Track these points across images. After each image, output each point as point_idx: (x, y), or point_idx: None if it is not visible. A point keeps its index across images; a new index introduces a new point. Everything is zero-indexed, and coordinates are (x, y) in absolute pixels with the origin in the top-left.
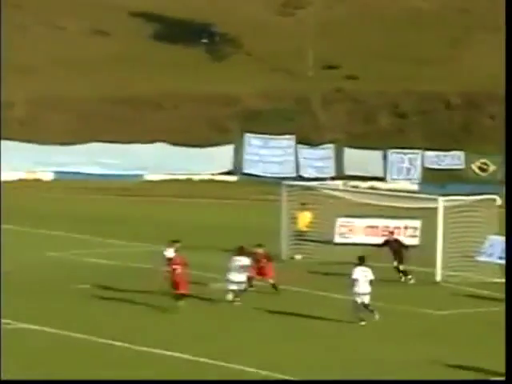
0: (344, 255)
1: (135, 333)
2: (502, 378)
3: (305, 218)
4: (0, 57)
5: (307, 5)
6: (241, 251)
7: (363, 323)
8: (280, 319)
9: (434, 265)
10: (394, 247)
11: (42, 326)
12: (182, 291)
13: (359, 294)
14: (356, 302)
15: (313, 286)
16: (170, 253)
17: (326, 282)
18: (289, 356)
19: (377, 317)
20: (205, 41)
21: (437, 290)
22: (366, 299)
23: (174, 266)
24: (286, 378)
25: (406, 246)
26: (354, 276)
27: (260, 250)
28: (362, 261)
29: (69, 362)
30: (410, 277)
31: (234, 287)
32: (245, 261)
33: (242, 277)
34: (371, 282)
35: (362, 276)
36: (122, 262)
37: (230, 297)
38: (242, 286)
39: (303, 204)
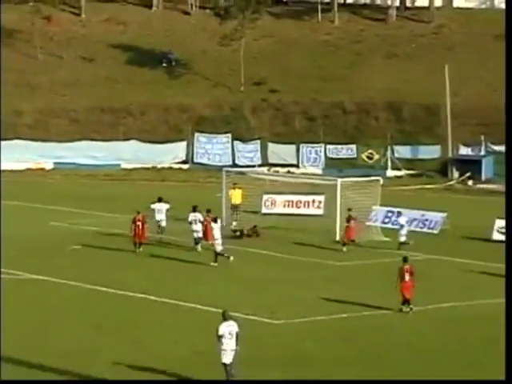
0: (269, 222)
1: (115, 280)
2: (501, 379)
3: (237, 195)
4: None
5: (240, 38)
6: (195, 209)
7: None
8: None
9: (334, 228)
10: None
11: (43, 276)
12: (142, 240)
13: (225, 350)
14: (224, 363)
15: (245, 244)
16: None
17: (256, 241)
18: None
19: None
20: (164, 65)
21: (336, 246)
22: (230, 356)
23: (137, 223)
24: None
25: None
26: (220, 332)
27: (210, 214)
28: (224, 317)
29: (62, 304)
30: None
31: (195, 235)
32: (199, 216)
33: (198, 227)
34: (237, 337)
35: (227, 332)
36: (106, 229)
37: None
38: (200, 234)
39: (235, 184)
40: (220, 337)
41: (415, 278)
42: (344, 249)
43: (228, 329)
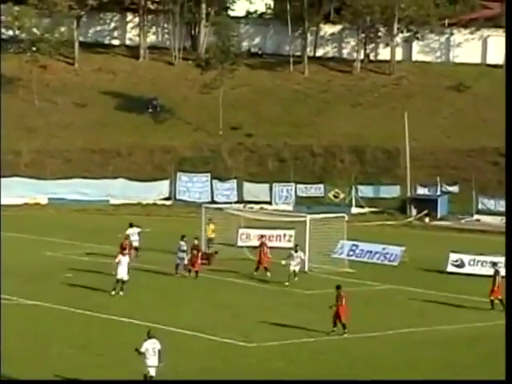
0: (243, 254)
1: (102, 305)
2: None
3: (210, 229)
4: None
5: (219, 86)
6: (182, 238)
7: None
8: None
9: (304, 259)
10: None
11: (38, 301)
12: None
13: (150, 367)
14: (145, 375)
15: (223, 274)
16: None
17: (233, 270)
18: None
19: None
20: (150, 110)
21: (305, 277)
22: (153, 371)
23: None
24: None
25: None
26: (143, 349)
27: (196, 242)
28: (149, 335)
29: (53, 326)
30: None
31: (178, 261)
32: (183, 244)
33: (183, 255)
34: (160, 353)
35: (151, 349)
36: (96, 258)
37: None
38: (184, 261)
39: (209, 220)
40: (142, 353)
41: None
42: (268, 274)
43: (151, 346)
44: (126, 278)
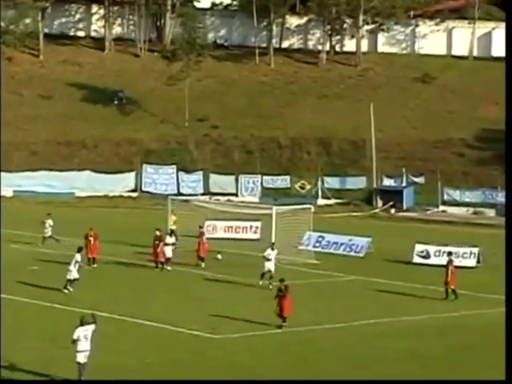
0: (210, 246)
1: (70, 298)
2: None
3: (171, 220)
4: None
5: (185, 78)
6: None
7: None
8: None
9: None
10: None
11: (5, 295)
12: (94, 255)
13: (81, 352)
14: (79, 362)
15: (190, 266)
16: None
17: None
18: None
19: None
20: (116, 102)
21: None
22: (84, 357)
23: (89, 238)
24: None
25: None
26: (75, 336)
27: (158, 233)
28: (82, 322)
29: (22, 319)
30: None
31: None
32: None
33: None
34: (91, 340)
35: (82, 336)
36: (62, 251)
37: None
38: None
39: (172, 211)
40: (75, 340)
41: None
42: (202, 264)
43: (83, 333)
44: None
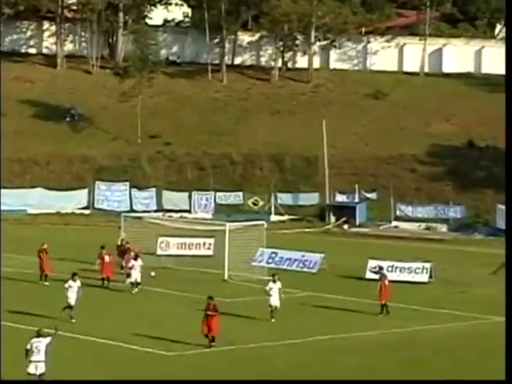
0: (164, 263)
1: (24, 316)
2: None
3: (121, 238)
4: None
5: (137, 95)
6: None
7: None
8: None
9: (222, 268)
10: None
11: None
12: (46, 271)
13: (31, 362)
14: (29, 373)
15: (143, 283)
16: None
17: (153, 280)
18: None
19: None
20: (68, 119)
21: (225, 285)
22: (35, 368)
23: (40, 254)
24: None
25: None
26: (28, 346)
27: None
28: (39, 333)
29: None
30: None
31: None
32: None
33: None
34: (46, 353)
35: (34, 347)
36: (15, 269)
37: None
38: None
39: (119, 227)
40: (27, 350)
41: (218, 314)
42: (46, 283)
43: (35, 344)
44: None
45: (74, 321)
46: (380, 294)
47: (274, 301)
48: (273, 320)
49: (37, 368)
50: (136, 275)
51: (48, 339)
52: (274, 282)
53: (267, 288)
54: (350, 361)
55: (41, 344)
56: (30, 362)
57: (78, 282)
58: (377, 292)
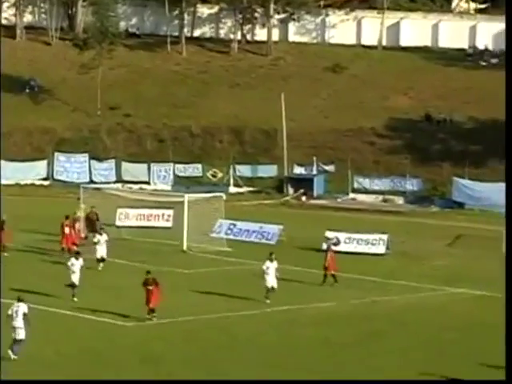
0: (123, 235)
1: None
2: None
3: (81, 209)
4: None
5: (97, 67)
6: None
7: None
8: None
9: (182, 239)
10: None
11: None
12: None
13: (12, 328)
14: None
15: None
16: None
17: (112, 251)
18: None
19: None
20: (28, 91)
21: (184, 256)
22: (15, 333)
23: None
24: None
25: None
26: (9, 312)
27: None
28: (19, 299)
29: None
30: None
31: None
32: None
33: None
34: (25, 316)
35: (14, 311)
36: None
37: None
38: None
39: (78, 199)
40: (9, 315)
41: (159, 288)
42: (5, 254)
43: (15, 309)
44: None
45: (75, 299)
46: (325, 264)
47: (271, 280)
48: (268, 301)
49: (16, 333)
50: (102, 251)
51: (25, 306)
52: (271, 261)
53: (264, 267)
54: (307, 332)
55: (19, 309)
56: (13, 327)
57: (81, 261)
58: (324, 262)
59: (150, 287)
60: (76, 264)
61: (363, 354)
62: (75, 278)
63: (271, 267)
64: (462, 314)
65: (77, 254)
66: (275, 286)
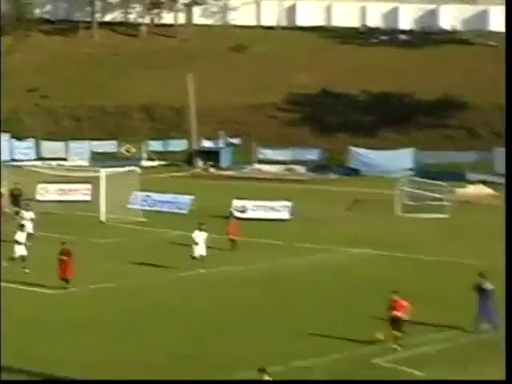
0: (43, 208)
1: None
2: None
3: (3, 185)
4: None
5: (14, 52)
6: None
7: None
8: None
9: (99, 211)
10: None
11: None
12: None
13: None
14: None
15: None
16: None
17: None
18: None
19: None
20: None
21: (102, 226)
22: None
23: None
24: None
25: None
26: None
27: None
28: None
29: None
30: None
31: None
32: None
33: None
34: None
35: None
36: None
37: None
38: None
39: None
40: None
41: (72, 258)
42: None
43: None
44: None
45: (27, 271)
46: (228, 230)
47: (200, 249)
48: (202, 270)
49: None
50: (28, 226)
51: None
52: (200, 230)
53: (193, 235)
54: (217, 296)
55: None
56: None
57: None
58: (227, 229)
59: (65, 257)
60: (22, 236)
61: (272, 317)
62: (23, 250)
63: (200, 236)
64: (364, 273)
65: (22, 227)
66: (204, 254)
